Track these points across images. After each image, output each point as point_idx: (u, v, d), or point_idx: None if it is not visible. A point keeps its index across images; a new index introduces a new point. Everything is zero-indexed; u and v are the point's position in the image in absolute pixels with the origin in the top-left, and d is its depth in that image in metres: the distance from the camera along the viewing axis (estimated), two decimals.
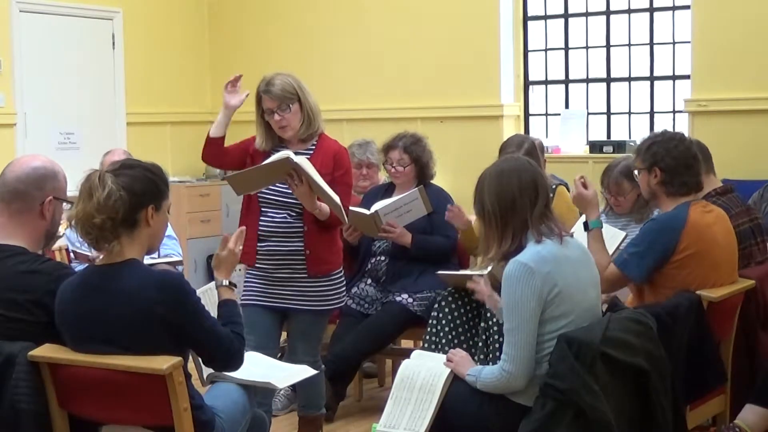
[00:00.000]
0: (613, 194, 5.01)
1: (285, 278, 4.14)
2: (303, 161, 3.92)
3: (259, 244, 4.14)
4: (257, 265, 4.16)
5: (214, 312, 3.11)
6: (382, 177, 5.72)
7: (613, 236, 4.39)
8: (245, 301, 4.20)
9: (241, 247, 3.26)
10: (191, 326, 2.88)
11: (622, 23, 7.24)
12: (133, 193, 2.88)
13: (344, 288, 4.29)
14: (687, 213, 3.80)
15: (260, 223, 4.14)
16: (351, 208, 4.50)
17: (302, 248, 4.10)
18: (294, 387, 4.52)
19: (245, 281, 4.24)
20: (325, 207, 4.03)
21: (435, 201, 5.01)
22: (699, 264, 3.76)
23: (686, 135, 4.09)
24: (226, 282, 3.22)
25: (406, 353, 4.05)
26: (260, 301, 4.17)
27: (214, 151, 4.19)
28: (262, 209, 4.15)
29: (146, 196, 2.91)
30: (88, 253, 4.59)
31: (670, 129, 6.84)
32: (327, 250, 4.16)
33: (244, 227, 3.40)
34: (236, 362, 3.07)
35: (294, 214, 4.11)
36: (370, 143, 5.69)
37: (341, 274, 4.26)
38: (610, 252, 4.26)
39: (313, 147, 4.19)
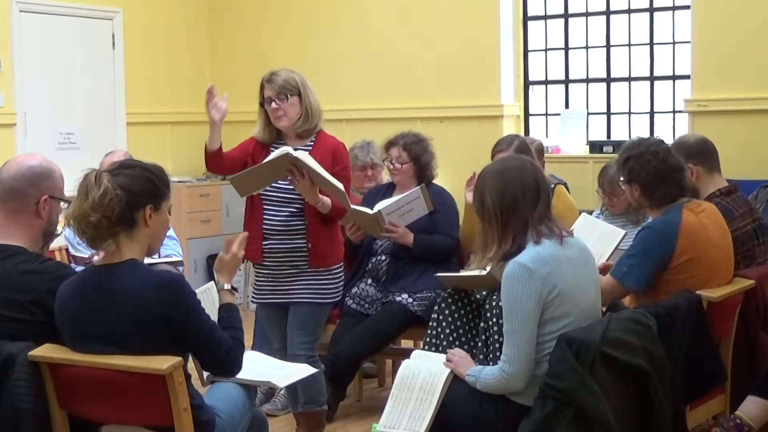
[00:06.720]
0: (608, 194, 5.03)
1: (289, 274, 4.23)
2: (302, 154, 3.99)
3: (263, 242, 4.22)
4: (264, 263, 4.25)
5: (213, 312, 3.11)
6: (386, 177, 5.70)
7: (613, 233, 4.38)
8: (256, 300, 4.38)
9: (242, 252, 3.27)
10: (189, 328, 2.87)
11: (622, 23, 7.23)
12: (131, 193, 2.88)
13: (342, 283, 4.36)
14: (680, 216, 3.77)
15: (264, 220, 4.22)
16: (354, 207, 4.55)
17: (304, 244, 4.18)
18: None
19: (256, 280, 4.35)
20: (327, 200, 4.11)
21: (437, 200, 5.01)
22: (697, 267, 3.75)
23: (665, 142, 3.96)
24: (227, 286, 3.19)
25: (406, 353, 4.06)
26: (269, 299, 4.31)
27: (215, 162, 4.26)
28: (265, 207, 4.24)
29: (144, 195, 2.91)
30: (85, 255, 4.60)
31: (670, 129, 6.92)
32: (329, 243, 4.25)
33: (246, 232, 3.43)
34: (234, 368, 3.03)
35: (296, 210, 4.19)
36: (371, 144, 5.68)
37: (341, 268, 4.34)
38: (610, 250, 4.26)
39: (312, 143, 4.27)
